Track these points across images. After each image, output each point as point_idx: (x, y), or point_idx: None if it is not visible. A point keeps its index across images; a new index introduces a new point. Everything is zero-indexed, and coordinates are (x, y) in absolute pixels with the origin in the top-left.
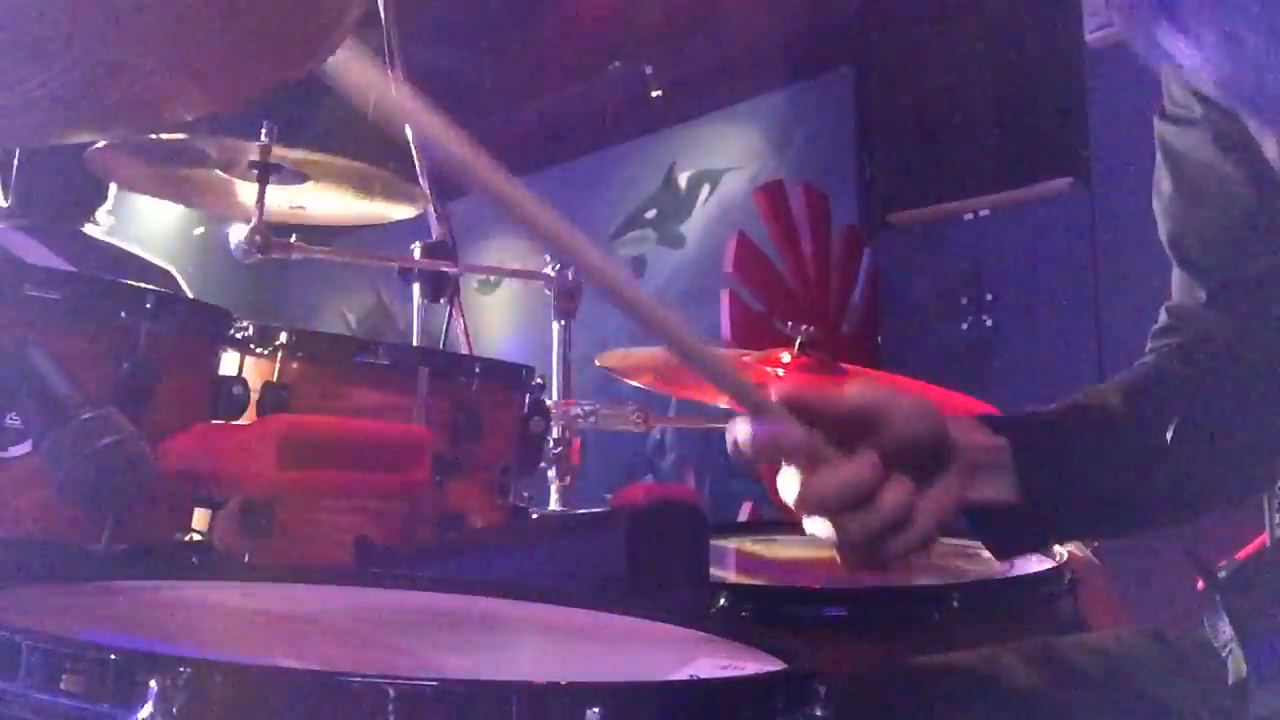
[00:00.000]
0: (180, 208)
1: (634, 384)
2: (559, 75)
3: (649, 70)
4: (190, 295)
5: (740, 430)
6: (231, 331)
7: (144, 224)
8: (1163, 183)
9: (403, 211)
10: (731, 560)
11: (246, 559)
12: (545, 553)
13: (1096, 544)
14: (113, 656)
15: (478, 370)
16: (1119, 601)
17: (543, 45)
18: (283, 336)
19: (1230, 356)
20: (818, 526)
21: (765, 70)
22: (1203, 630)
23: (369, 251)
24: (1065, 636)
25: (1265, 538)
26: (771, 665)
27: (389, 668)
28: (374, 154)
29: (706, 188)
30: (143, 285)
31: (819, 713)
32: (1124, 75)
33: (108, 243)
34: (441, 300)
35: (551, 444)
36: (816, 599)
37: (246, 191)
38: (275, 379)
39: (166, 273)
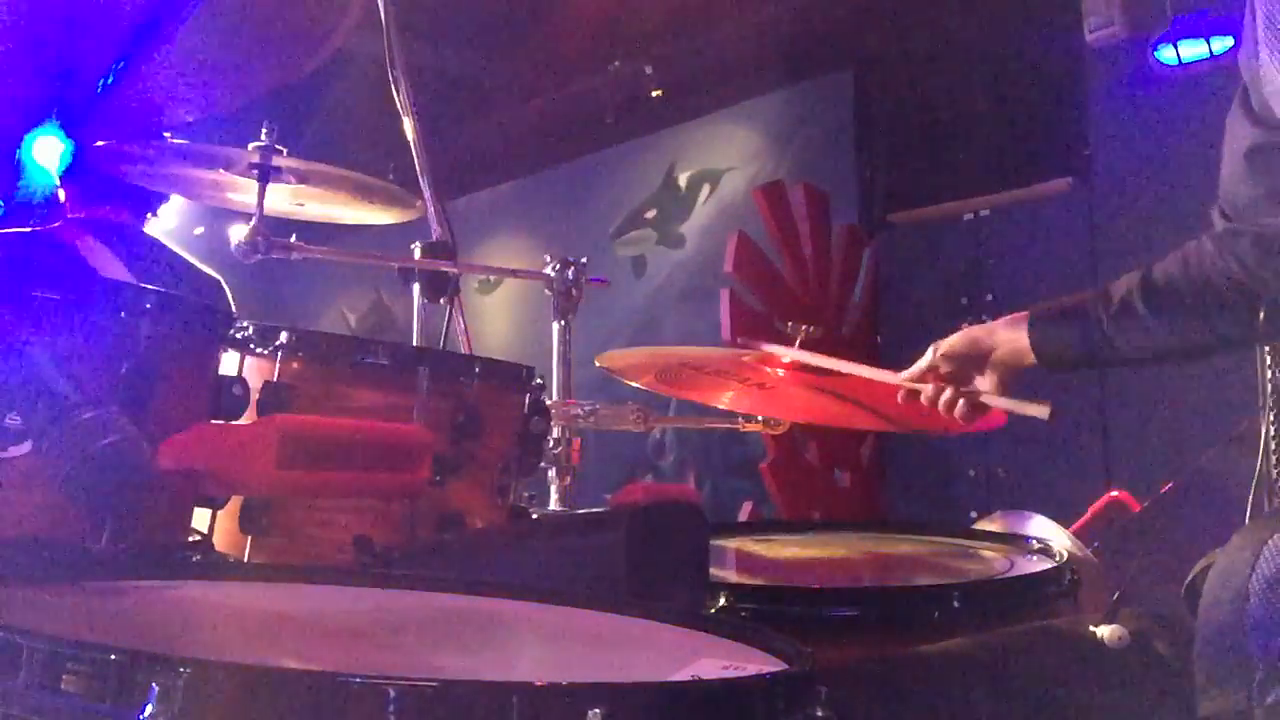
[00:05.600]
0: (180, 209)
1: (634, 384)
2: (559, 75)
3: (649, 70)
4: (234, 308)
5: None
6: (231, 331)
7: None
8: None
9: (403, 216)
10: (731, 560)
11: (246, 559)
12: (545, 553)
13: (1096, 543)
14: (113, 656)
15: (478, 370)
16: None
17: (543, 45)
18: (283, 336)
19: None
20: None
21: (765, 70)
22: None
23: (369, 251)
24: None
25: None
26: (771, 665)
27: (389, 668)
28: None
29: (706, 188)
30: (143, 285)
31: (819, 713)
32: (1124, 75)
33: (164, 246)
34: (441, 300)
35: (551, 444)
36: (816, 599)
37: (246, 188)
38: (275, 379)
39: (216, 282)
